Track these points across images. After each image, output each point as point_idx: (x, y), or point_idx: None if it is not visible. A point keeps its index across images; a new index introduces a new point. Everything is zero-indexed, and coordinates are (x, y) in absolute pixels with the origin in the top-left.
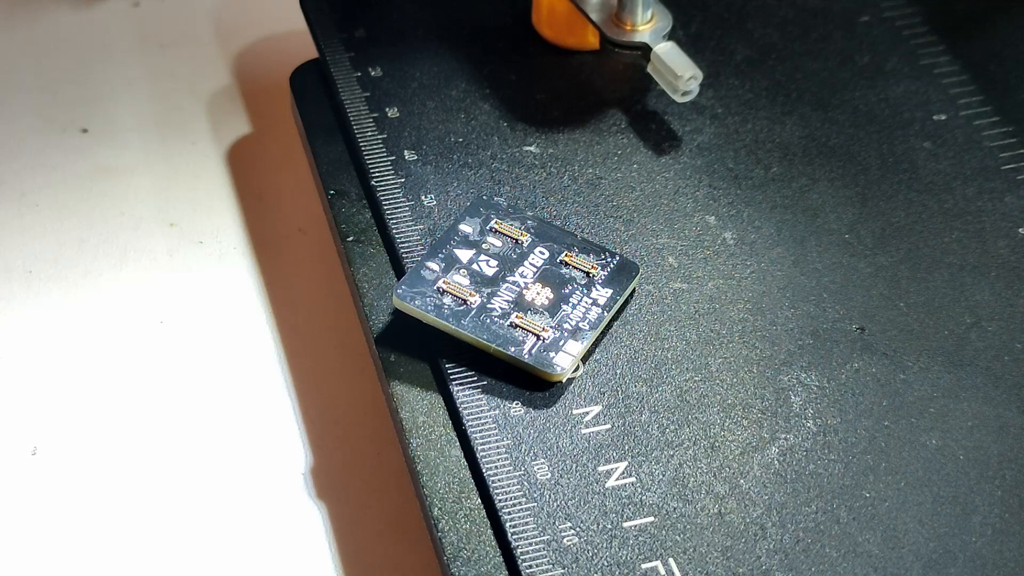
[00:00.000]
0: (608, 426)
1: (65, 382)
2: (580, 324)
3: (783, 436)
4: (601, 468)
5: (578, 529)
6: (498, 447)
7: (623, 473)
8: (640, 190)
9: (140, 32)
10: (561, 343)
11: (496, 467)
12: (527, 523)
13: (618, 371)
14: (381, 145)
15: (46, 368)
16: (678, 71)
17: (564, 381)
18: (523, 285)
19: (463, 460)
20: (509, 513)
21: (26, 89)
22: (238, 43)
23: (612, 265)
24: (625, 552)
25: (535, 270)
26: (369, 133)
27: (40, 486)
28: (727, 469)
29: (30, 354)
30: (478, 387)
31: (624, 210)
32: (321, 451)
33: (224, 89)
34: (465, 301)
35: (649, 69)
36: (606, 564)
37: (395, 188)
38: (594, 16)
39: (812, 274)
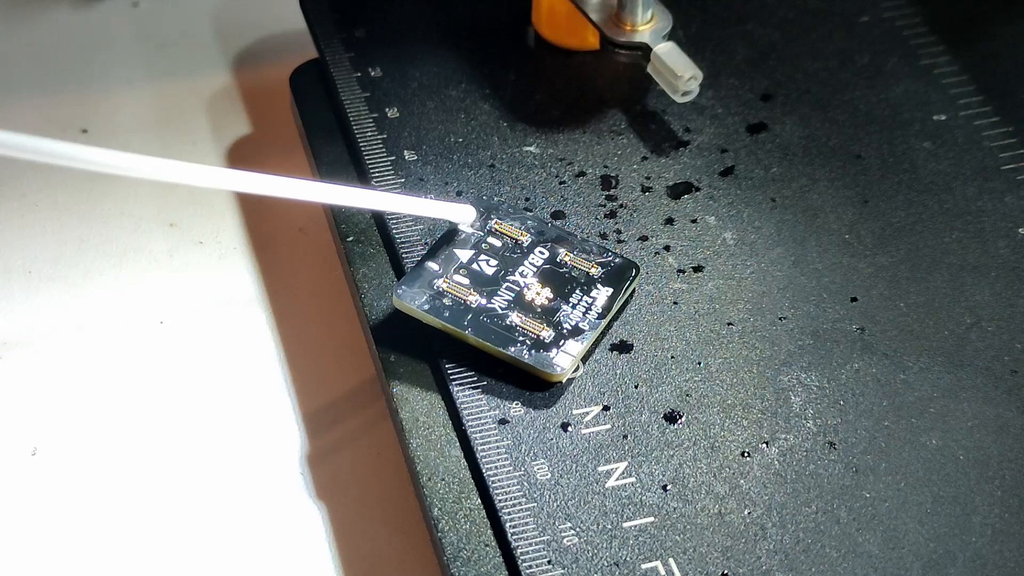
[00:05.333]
0: (608, 426)
1: (65, 382)
2: (580, 324)
3: (783, 436)
4: (601, 468)
5: (578, 529)
6: (498, 447)
7: (623, 473)
8: (640, 190)
9: (140, 32)
10: (561, 343)
11: (496, 467)
12: (527, 523)
13: (618, 371)
14: (381, 145)
15: (46, 368)
16: (678, 71)
17: (564, 381)
18: (523, 285)
19: (463, 460)
20: (509, 513)
21: (26, 89)
22: (238, 43)
23: (612, 265)
24: (625, 552)
25: (535, 270)
26: (369, 133)
27: (40, 486)
28: (727, 469)
29: (30, 354)
30: (478, 387)
31: (624, 210)
32: (321, 451)
33: (224, 89)
34: (465, 301)
35: (649, 69)
36: (606, 564)
37: (395, 188)
38: (594, 16)
39: (812, 274)
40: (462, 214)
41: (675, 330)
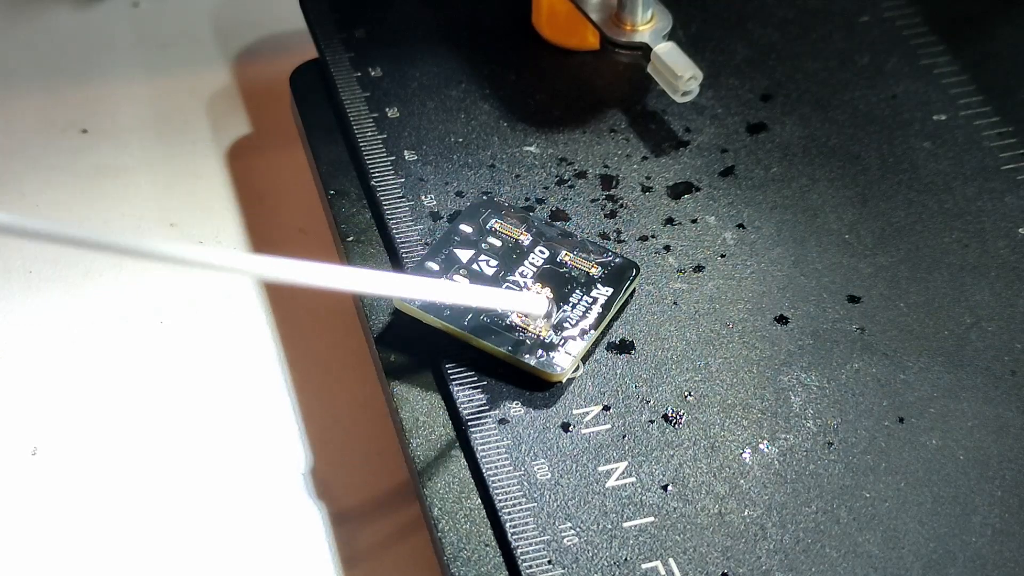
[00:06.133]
0: (608, 426)
1: (65, 382)
2: (580, 324)
3: (783, 436)
4: (601, 468)
5: (578, 529)
6: (498, 447)
7: (623, 473)
8: (640, 190)
9: (140, 32)
10: (561, 343)
11: (496, 467)
12: (527, 523)
13: (618, 371)
14: (381, 145)
15: (46, 368)
16: (678, 71)
17: (564, 381)
18: (523, 285)
19: (463, 460)
20: (509, 513)
21: (26, 89)
22: (238, 43)
23: (612, 265)
24: (625, 552)
25: (535, 270)
26: (369, 133)
27: (40, 486)
28: (727, 469)
29: (30, 354)
30: (478, 387)
31: (624, 210)
32: (321, 451)
33: (224, 89)
34: None
35: (649, 69)
36: (606, 564)
37: (395, 188)
38: (594, 16)
39: (812, 274)
40: (535, 306)
41: (675, 330)
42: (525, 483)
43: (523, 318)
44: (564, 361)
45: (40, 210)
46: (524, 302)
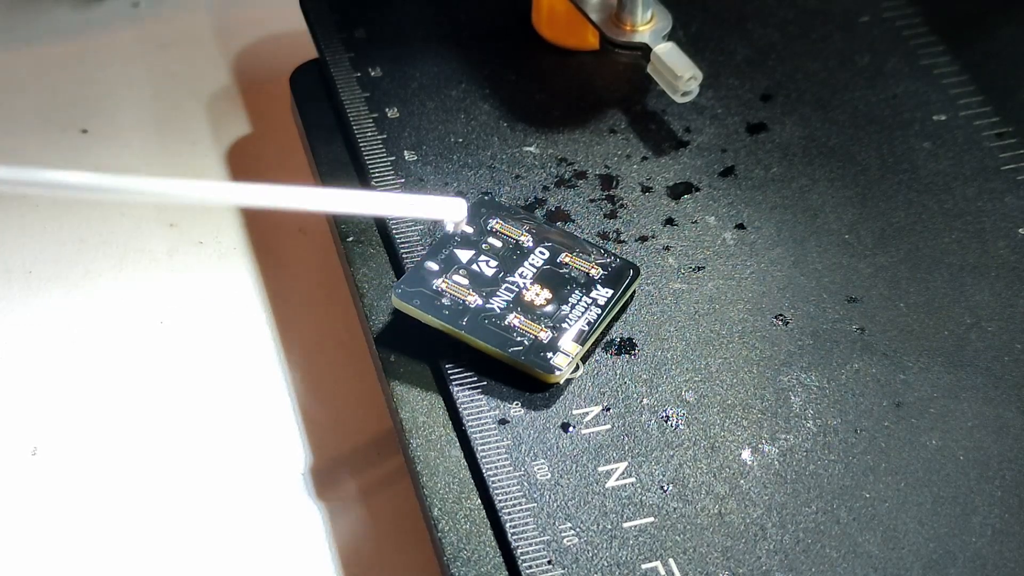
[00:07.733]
0: (608, 426)
1: (65, 382)
2: (579, 325)
3: (783, 436)
4: (601, 468)
5: (578, 529)
6: (498, 447)
7: (623, 473)
8: (640, 190)
9: (140, 32)
10: (560, 344)
11: (496, 467)
12: (527, 523)
13: (618, 371)
14: (381, 145)
15: (46, 368)
16: (678, 71)
17: (563, 382)
18: (522, 286)
19: (463, 460)
20: (509, 513)
21: (26, 89)
22: (238, 43)
23: (612, 266)
24: (625, 552)
25: (535, 271)
26: (369, 133)
27: (40, 486)
28: (727, 469)
29: (30, 354)
30: (478, 387)
31: (624, 210)
32: (321, 451)
33: (224, 89)
34: (464, 301)
35: (649, 69)
36: (606, 564)
37: (395, 188)
38: (594, 16)
39: (812, 274)
40: (452, 210)
41: (675, 330)
42: (525, 483)
43: (520, 319)
44: (563, 362)
45: (40, 210)
46: (441, 207)
